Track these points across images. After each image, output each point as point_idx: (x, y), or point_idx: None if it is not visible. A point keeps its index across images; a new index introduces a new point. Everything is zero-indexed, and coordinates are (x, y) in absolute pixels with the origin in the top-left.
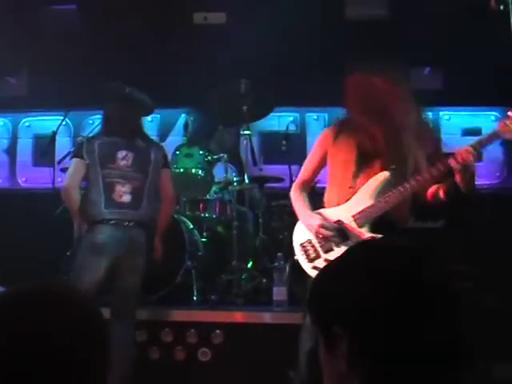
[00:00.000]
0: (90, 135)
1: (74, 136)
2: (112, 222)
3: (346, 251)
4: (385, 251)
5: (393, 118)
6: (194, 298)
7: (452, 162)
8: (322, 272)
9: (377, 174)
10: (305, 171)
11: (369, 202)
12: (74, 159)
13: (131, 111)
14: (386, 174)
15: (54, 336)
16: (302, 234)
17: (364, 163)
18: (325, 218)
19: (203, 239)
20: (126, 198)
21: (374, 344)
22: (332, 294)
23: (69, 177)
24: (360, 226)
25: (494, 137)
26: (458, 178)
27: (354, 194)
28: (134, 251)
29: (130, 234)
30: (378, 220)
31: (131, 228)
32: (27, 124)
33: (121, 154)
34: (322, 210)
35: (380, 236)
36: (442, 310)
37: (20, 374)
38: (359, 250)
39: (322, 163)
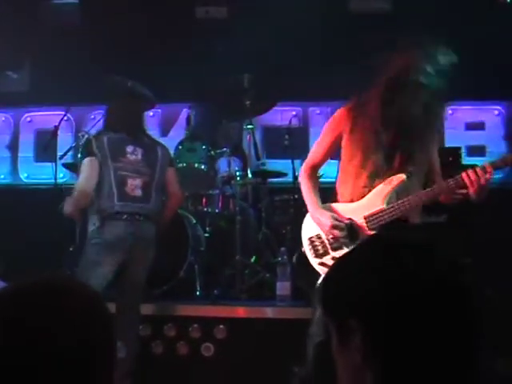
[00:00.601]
0: (95, 132)
1: (76, 131)
2: (125, 216)
3: (360, 244)
4: (398, 245)
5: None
6: (197, 292)
7: (466, 181)
8: (336, 265)
9: (393, 175)
10: (315, 153)
11: (381, 206)
12: (88, 158)
13: (134, 107)
14: (401, 177)
15: (57, 330)
16: (311, 228)
17: (383, 163)
18: (336, 214)
19: (206, 234)
20: (138, 192)
21: (388, 337)
22: (346, 287)
23: (87, 178)
24: (371, 229)
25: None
26: (471, 191)
27: (368, 193)
28: (146, 246)
29: (142, 229)
30: (389, 224)
31: (143, 222)
32: (29, 119)
33: (129, 148)
34: (333, 205)
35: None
36: (455, 304)
37: (23, 370)
38: (373, 243)
39: (335, 146)
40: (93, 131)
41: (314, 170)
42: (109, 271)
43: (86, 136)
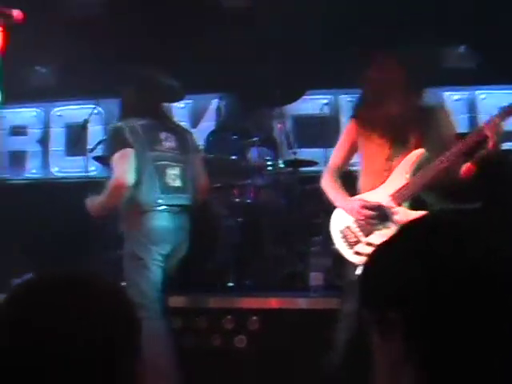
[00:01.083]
0: (123, 119)
1: (106, 124)
2: (168, 208)
3: (397, 232)
4: (437, 230)
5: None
6: (229, 284)
7: (488, 132)
8: (373, 256)
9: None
10: (335, 158)
11: (405, 180)
12: (126, 150)
13: (156, 94)
14: (421, 150)
15: (65, 331)
16: (339, 221)
17: (398, 146)
18: (364, 200)
19: (238, 225)
20: (178, 182)
21: (430, 329)
22: (385, 277)
23: (127, 171)
24: (399, 205)
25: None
26: (491, 144)
27: (389, 176)
28: (185, 238)
29: (183, 220)
30: (417, 197)
31: (183, 213)
32: (59, 113)
33: (163, 135)
34: (358, 196)
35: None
36: (498, 292)
37: (30, 371)
38: (410, 229)
39: (353, 149)
40: None
41: (335, 173)
42: (157, 267)
43: (115, 124)
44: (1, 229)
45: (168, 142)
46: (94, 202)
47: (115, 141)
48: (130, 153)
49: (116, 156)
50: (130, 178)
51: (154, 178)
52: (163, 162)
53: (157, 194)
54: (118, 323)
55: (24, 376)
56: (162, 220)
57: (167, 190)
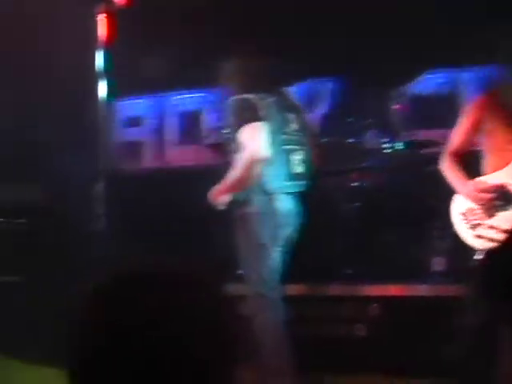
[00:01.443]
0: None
1: (220, 112)
2: (290, 194)
3: None
4: None
5: None
6: (348, 271)
7: None
8: (504, 243)
9: None
10: (456, 140)
11: None
12: (257, 123)
13: (273, 74)
14: None
15: (150, 320)
16: (461, 203)
17: None
18: (483, 183)
19: (356, 209)
20: (301, 168)
21: None
22: None
23: (262, 144)
24: None
25: None
26: None
27: None
28: (301, 223)
29: (301, 205)
30: None
31: (302, 198)
32: (173, 103)
33: (289, 115)
34: (479, 178)
35: None
36: None
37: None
38: None
39: (475, 131)
40: None
41: (455, 157)
42: (278, 253)
43: (243, 96)
44: (119, 219)
45: (293, 124)
46: (219, 186)
47: (245, 113)
48: (263, 126)
49: (247, 129)
50: (266, 151)
51: (281, 164)
52: (290, 147)
53: (282, 180)
54: (203, 322)
55: (106, 370)
56: (285, 202)
57: (292, 177)
